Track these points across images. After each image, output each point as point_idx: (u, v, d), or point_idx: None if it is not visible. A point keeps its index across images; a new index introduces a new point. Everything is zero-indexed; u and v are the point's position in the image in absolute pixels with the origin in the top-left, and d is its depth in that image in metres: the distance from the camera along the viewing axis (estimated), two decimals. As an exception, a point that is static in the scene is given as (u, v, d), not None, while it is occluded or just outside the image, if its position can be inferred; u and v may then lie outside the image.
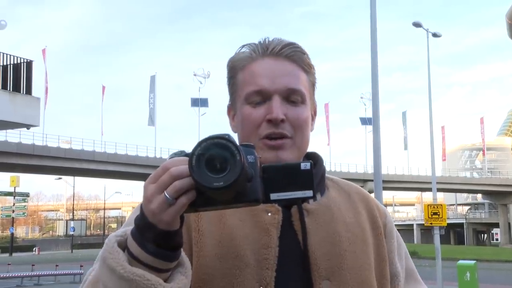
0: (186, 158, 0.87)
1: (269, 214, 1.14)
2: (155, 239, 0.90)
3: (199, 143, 0.86)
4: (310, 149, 1.26)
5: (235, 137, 1.20)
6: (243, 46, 1.21)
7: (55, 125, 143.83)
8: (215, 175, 0.84)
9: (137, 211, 0.96)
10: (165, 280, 0.93)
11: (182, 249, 0.96)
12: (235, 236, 1.11)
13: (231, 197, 0.88)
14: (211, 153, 0.85)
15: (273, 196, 0.93)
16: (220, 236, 1.11)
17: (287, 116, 1.15)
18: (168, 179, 0.87)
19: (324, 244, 1.13)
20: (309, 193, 0.94)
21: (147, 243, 0.90)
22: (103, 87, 54.41)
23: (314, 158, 1.25)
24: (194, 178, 0.85)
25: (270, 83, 1.15)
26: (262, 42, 1.20)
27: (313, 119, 1.26)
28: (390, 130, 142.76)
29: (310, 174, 0.94)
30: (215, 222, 1.13)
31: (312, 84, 1.23)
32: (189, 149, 0.90)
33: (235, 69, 1.21)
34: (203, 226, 1.12)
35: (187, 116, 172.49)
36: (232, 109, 1.24)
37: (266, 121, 1.14)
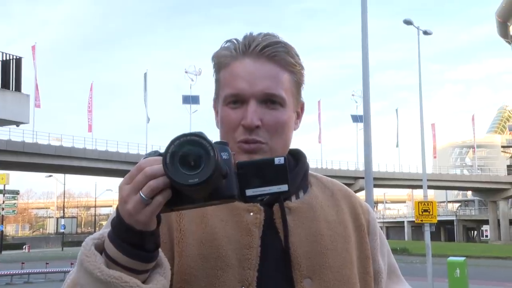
0: (160, 158, 0.87)
1: (251, 214, 1.13)
2: (131, 240, 0.89)
3: (172, 141, 0.86)
4: (300, 146, 1.25)
5: (217, 132, 1.19)
6: (228, 41, 1.19)
7: (47, 123, 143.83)
8: (190, 172, 0.84)
9: (114, 214, 0.94)
10: (144, 282, 0.92)
11: (160, 250, 0.96)
12: (217, 236, 1.10)
13: (206, 194, 0.88)
14: (185, 151, 0.85)
15: (249, 192, 0.93)
16: (202, 236, 1.10)
17: (263, 120, 1.13)
18: (143, 179, 0.87)
19: (305, 243, 1.12)
20: (284, 187, 0.94)
21: (124, 245, 0.90)
22: (91, 84, 54.48)
23: (297, 155, 1.24)
24: (169, 176, 0.84)
25: (247, 86, 1.13)
26: (245, 38, 1.17)
27: (299, 117, 1.24)
28: (382, 127, 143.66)
29: (284, 169, 0.94)
30: (197, 222, 1.12)
31: (297, 83, 1.20)
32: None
33: (218, 65, 1.19)
34: (184, 226, 1.11)
35: (179, 113, 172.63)
36: (216, 105, 1.23)
37: (242, 126, 1.13)
